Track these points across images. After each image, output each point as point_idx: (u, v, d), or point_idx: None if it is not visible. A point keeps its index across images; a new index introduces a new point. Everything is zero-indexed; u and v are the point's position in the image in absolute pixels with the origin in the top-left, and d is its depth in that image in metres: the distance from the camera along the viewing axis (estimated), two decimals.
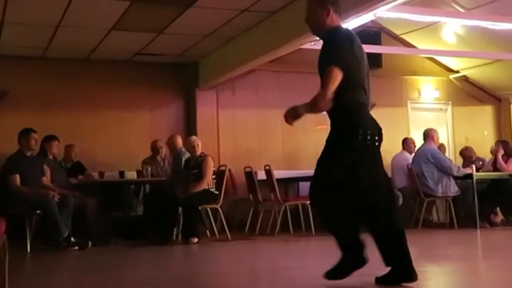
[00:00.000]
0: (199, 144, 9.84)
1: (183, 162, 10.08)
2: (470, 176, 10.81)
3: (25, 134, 9.07)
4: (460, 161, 12.24)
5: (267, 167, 10.44)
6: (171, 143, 10.63)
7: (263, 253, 8.37)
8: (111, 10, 9.01)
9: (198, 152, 9.76)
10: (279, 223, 10.36)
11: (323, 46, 4.75)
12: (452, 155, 12.79)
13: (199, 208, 9.35)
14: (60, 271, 7.09)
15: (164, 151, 10.92)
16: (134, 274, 6.45)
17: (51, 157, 9.74)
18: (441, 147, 12.05)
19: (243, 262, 7.30)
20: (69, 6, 8.68)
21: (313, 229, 10.08)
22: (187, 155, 10.04)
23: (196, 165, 9.67)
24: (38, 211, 8.74)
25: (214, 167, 9.86)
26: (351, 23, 8.27)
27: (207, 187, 9.48)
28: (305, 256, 8.16)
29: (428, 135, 11.29)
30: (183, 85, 12.38)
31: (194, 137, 10.13)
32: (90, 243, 8.74)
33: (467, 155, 12.10)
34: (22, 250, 8.32)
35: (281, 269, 6.34)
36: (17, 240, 8.26)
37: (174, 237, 9.43)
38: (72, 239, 8.67)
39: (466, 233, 10.12)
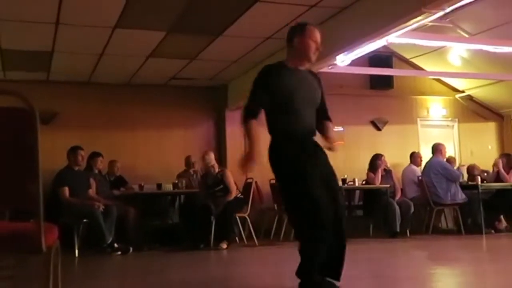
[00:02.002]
0: (215, 164, 9.86)
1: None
2: (476, 186, 10.76)
3: (73, 151, 9.17)
4: (466, 175, 12.12)
5: None
6: (203, 159, 10.65)
7: (287, 257, 8.33)
8: (149, 40, 9.00)
9: (216, 170, 9.76)
10: None
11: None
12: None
13: (233, 215, 9.38)
14: (105, 274, 7.11)
15: (196, 165, 10.91)
16: (171, 277, 6.49)
17: (96, 171, 9.77)
18: (451, 159, 12.02)
19: (270, 265, 7.31)
20: (111, 37, 8.69)
21: None
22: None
23: (217, 181, 9.64)
24: (85, 220, 8.76)
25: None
26: (365, 49, 8.29)
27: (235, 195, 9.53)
28: None
29: (436, 149, 11.30)
30: (213, 106, 12.36)
31: (209, 157, 9.95)
32: (131, 249, 8.76)
33: (472, 171, 12.06)
34: (71, 255, 8.33)
35: None
36: (67, 246, 8.27)
37: (207, 243, 9.36)
38: (115, 245, 8.70)
39: (472, 239, 10.02)
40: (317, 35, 4.83)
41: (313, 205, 4.44)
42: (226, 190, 9.50)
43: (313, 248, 4.54)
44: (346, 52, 8.41)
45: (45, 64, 10.13)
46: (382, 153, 11.33)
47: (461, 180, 11.05)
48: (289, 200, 4.76)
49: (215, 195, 9.58)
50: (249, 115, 4.67)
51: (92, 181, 9.42)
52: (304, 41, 4.78)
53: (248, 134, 4.68)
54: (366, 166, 11.36)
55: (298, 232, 4.81)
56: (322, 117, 4.95)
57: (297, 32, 4.85)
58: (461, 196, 10.85)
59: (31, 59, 9.76)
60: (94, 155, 9.80)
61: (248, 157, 4.57)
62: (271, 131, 4.83)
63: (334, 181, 4.81)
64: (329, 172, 4.76)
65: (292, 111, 4.69)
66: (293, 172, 4.61)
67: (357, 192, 11.40)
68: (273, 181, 10.47)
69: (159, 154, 11.64)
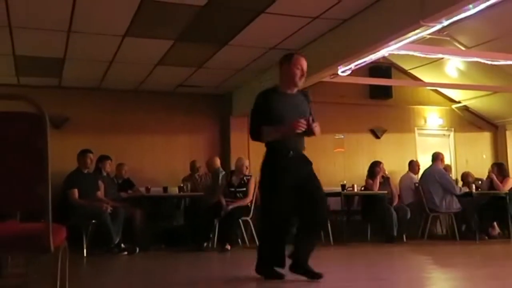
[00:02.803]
0: (248, 166, 9.92)
1: (220, 179, 10.09)
2: (470, 194, 10.79)
3: (82, 154, 9.21)
4: (460, 182, 12.14)
5: None
6: (210, 164, 10.65)
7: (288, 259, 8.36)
8: (157, 48, 9.04)
9: (247, 172, 9.81)
10: None
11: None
12: (454, 176, 12.62)
13: (237, 221, 9.41)
14: (112, 273, 7.12)
15: (201, 170, 10.94)
16: (176, 276, 6.49)
17: (105, 174, 9.78)
18: (447, 167, 12.00)
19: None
20: (121, 45, 8.74)
21: (331, 240, 10.07)
22: (222, 173, 10.06)
23: (243, 183, 9.69)
24: (93, 221, 8.77)
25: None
26: (365, 60, 8.35)
27: (248, 204, 9.56)
28: (326, 262, 8.18)
29: (436, 157, 11.31)
30: (218, 113, 12.38)
31: (244, 159, 10.08)
32: (137, 249, 8.79)
33: (466, 178, 12.07)
34: (80, 255, 8.36)
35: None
36: (76, 246, 8.36)
37: (210, 245, 9.42)
38: (122, 245, 8.74)
39: (466, 245, 10.05)
40: (303, 63, 5.43)
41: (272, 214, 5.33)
42: (245, 193, 9.57)
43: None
44: (347, 63, 8.45)
45: (57, 70, 10.15)
46: (380, 160, 11.36)
47: (458, 192, 11.03)
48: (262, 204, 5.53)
49: (234, 195, 9.64)
50: (256, 137, 5.37)
51: (100, 183, 9.44)
52: (290, 68, 5.39)
53: (271, 135, 5.29)
54: (365, 172, 11.40)
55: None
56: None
57: (285, 61, 5.47)
58: (455, 206, 10.86)
59: (43, 65, 9.80)
60: (103, 158, 9.81)
61: (291, 126, 5.18)
62: (266, 145, 5.45)
63: (312, 188, 5.38)
64: (308, 182, 5.37)
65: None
66: (269, 184, 5.33)
67: (356, 197, 11.39)
68: None
69: (165, 158, 11.64)
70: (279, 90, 5.47)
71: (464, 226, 11.12)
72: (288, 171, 5.26)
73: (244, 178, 9.74)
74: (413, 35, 7.05)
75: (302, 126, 5.14)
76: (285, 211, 5.28)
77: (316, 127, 5.28)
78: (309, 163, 5.44)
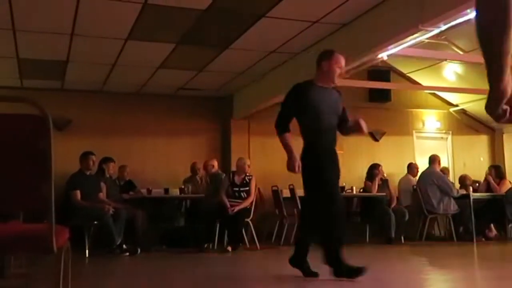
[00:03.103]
0: (249, 165, 9.93)
1: (222, 180, 10.08)
2: (467, 196, 10.81)
3: (85, 156, 9.21)
4: (458, 184, 12.15)
5: (291, 186, 10.39)
6: (207, 166, 10.59)
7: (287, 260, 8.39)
8: (159, 52, 9.07)
9: (248, 172, 9.81)
10: None
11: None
12: (452, 178, 12.57)
13: (243, 223, 9.38)
14: (114, 274, 7.11)
15: (201, 171, 10.92)
16: (177, 277, 6.51)
17: (108, 176, 9.80)
18: (445, 170, 12.01)
19: (272, 267, 7.31)
20: (123, 48, 8.77)
21: None
22: (223, 175, 10.06)
23: (245, 183, 9.69)
24: (95, 222, 8.77)
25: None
26: (365, 63, 8.44)
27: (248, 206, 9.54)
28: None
29: (433, 160, 11.33)
30: (219, 115, 12.41)
31: (245, 159, 10.12)
32: (139, 250, 8.79)
33: (464, 181, 12.09)
34: (82, 256, 8.37)
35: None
36: (78, 247, 8.26)
37: (211, 246, 9.43)
38: (124, 246, 8.74)
39: (464, 246, 10.08)
40: (342, 62, 5.62)
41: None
42: (248, 192, 9.58)
43: None
44: (346, 66, 8.43)
45: (60, 73, 10.20)
46: (379, 163, 11.39)
47: (456, 194, 11.03)
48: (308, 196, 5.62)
49: (237, 195, 9.64)
50: (280, 130, 5.67)
51: (103, 184, 9.44)
52: (331, 65, 5.55)
53: (284, 146, 5.62)
54: (364, 175, 11.43)
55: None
56: (345, 122, 5.75)
57: (326, 57, 5.61)
58: (453, 208, 10.85)
59: (46, 68, 9.84)
60: (107, 160, 9.84)
61: (289, 162, 5.52)
62: (303, 138, 5.68)
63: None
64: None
65: (318, 120, 5.52)
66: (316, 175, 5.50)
67: (355, 199, 11.46)
68: (275, 188, 10.54)
69: (166, 160, 11.67)
70: (316, 84, 5.62)
71: (461, 228, 11.14)
72: (333, 164, 5.57)
73: (246, 177, 9.74)
74: (412, 39, 7.12)
75: (293, 170, 5.52)
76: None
77: (363, 124, 5.54)
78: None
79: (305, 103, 5.52)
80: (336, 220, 5.46)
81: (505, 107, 1.73)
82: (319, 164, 5.44)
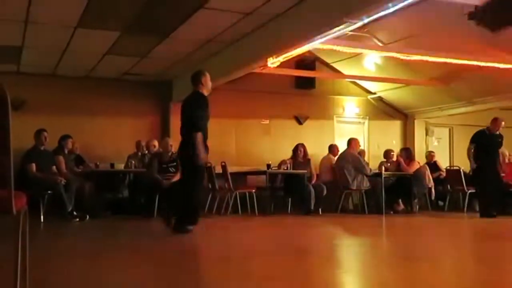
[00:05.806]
0: (172, 144, 10.05)
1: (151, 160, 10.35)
2: (379, 174, 11.33)
3: (38, 133, 9.47)
4: (372, 163, 12.59)
5: (223, 163, 10.79)
6: (149, 146, 10.91)
7: (219, 229, 8.57)
8: (106, 39, 9.22)
9: (173, 150, 9.97)
10: (230, 206, 10.78)
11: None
12: (367, 158, 12.97)
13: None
14: (65, 236, 7.43)
15: (145, 149, 11.13)
16: (120, 239, 6.91)
17: (66, 152, 10.04)
18: (362, 152, 12.44)
19: (206, 235, 7.38)
20: (73, 35, 8.93)
21: (256, 211, 10.62)
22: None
23: (172, 160, 9.93)
24: (49, 192, 9.14)
25: None
26: (292, 53, 8.61)
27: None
28: (250, 229, 8.57)
29: (351, 142, 11.78)
30: (160, 99, 12.56)
31: (168, 139, 10.32)
32: (87, 216, 9.14)
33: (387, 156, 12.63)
34: (38, 221, 8.60)
35: (233, 238, 6.96)
36: (34, 214, 8.56)
37: (150, 214, 9.58)
38: (75, 212, 9.07)
39: (374, 218, 10.48)
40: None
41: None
42: (177, 167, 9.69)
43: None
44: (275, 56, 8.68)
45: (15, 58, 10.32)
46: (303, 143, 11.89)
47: (369, 173, 11.52)
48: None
49: (168, 170, 9.96)
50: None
51: (61, 158, 9.73)
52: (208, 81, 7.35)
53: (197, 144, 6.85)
54: (289, 154, 11.84)
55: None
56: None
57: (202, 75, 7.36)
58: (365, 184, 11.42)
59: (3, 52, 9.96)
60: (65, 138, 10.06)
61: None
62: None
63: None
64: None
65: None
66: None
67: (279, 176, 11.71)
68: (209, 165, 10.79)
69: (112, 138, 11.87)
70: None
71: (372, 202, 11.61)
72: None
73: (173, 155, 9.95)
74: (337, 31, 7.14)
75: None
76: None
77: None
78: None
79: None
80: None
81: None
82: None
